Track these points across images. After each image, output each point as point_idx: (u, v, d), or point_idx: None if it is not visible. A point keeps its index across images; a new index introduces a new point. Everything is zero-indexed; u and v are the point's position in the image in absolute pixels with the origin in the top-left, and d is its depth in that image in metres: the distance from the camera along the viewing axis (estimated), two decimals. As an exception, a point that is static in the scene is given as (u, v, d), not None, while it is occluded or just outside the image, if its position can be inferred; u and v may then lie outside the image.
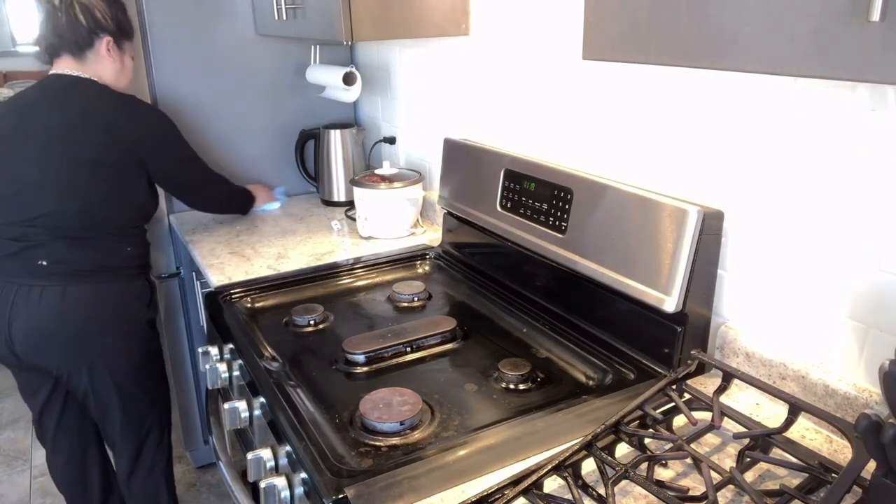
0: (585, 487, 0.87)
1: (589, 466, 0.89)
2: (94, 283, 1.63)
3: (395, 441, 1.00)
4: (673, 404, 0.98)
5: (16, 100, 1.66)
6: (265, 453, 1.06)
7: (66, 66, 1.63)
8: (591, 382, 1.16)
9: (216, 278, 1.62)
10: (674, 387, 1.01)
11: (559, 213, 1.31)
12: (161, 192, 1.95)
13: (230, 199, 2.03)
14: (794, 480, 0.87)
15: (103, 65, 1.67)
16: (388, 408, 1.04)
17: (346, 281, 1.63)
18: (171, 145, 1.74)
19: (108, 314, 1.66)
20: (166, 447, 1.91)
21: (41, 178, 1.57)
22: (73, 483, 1.95)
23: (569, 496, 0.81)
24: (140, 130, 1.65)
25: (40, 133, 1.58)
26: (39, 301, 1.59)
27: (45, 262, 1.59)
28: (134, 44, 1.77)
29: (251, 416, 1.19)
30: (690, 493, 0.84)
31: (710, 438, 0.98)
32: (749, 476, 0.89)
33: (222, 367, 1.35)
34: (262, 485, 1.02)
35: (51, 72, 1.65)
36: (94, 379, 1.69)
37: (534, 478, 0.83)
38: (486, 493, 0.81)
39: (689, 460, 0.91)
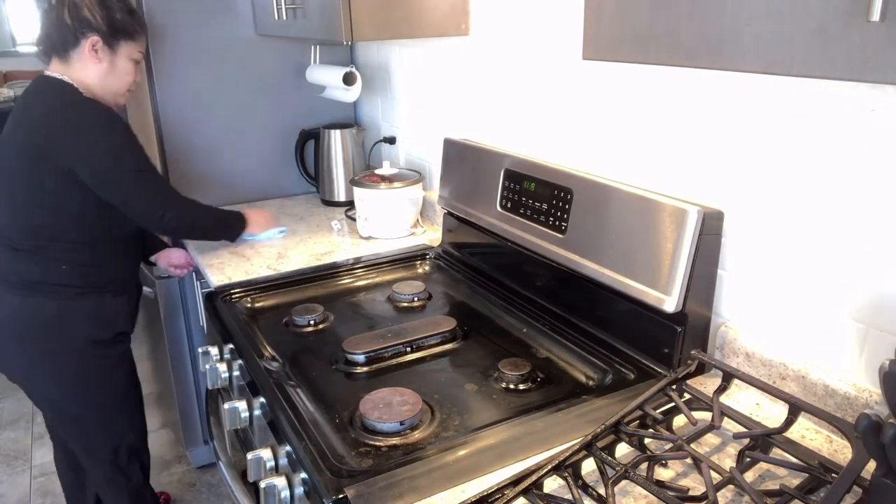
0: (585, 487, 0.87)
1: (589, 466, 0.89)
2: (23, 295, 1.58)
3: (395, 441, 1.00)
4: (673, 404, 0.98)
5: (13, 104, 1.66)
6: (265, 453, 1.06)
7: (54, 68, 1.59)
8: (591, 382, 1.16)
9: (216, 278, 1.62)
10: (674, 387, 1.01)
11: (559, 213, 1.31)
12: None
13: (193, 216, 1.71)
14: (794, 480, 0.87)
15: (86, 65, 1.57)
16: (388, 408, 1.04)
17: (346, 281, 1.63)
18: (92, 148, 1.52)
19: (34, 330, 1.58)
20: (123, 466, 1.79)
21: None
22: (70, 478, 1.95)
23: (569, 496, 0.81)
24: (54, 131, 1.50)
25: (3, 139, 1.57)
26: None
27: None
28: (141, 45, 1.67)
29: (251, 416, 1.19)
30: (690, 493, 0.84)
31: (710, 438, 0.98)
32: (749, 476, 0.89)
33: (222, 367, 1.35)
34: (262, 485, 1.02)
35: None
36: (29, 390, 1.68)
37: (534, 478, 0.83)
38: (486, 493, 0.81)
39: (689, 460, 0.91)
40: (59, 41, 1.56)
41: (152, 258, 1.91)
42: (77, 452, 1.78)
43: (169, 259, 1.91)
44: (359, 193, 1.84)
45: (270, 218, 1.93)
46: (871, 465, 0.74)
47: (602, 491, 0.83)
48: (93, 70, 1.59)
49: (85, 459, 1.78)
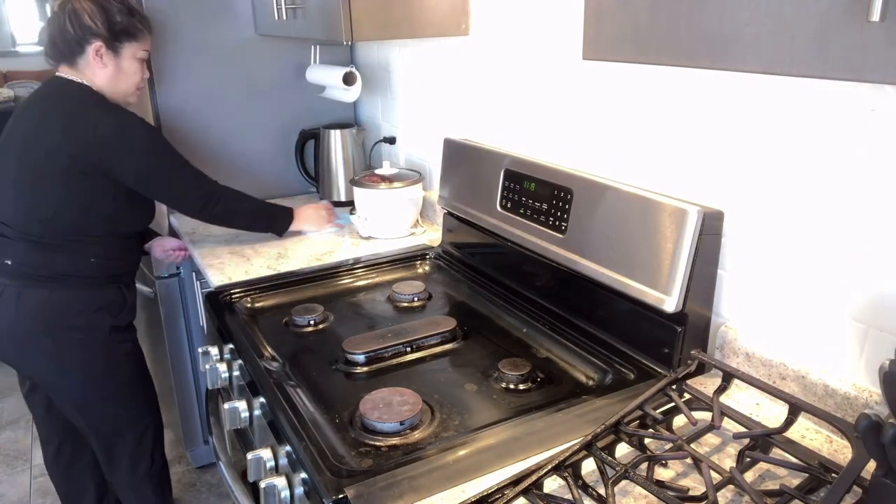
0: (585, 487, 0.87)
1: (589, 466, 0.89)
2: (51, 289, 1.60)
3: (395, 441, 1.00)
4: (673, 404, 0.98)
5: (23, 100, 1.68)
6: (265, 453, 1.06)
7: (64, 71, 1.63)
8: (591, 382, 1.16)
9: (216, 278, 1.62)
10: (674, 387, 1.01)
11: (559, 213, 1.31)
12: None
13: (237, 204, 1.79)
14: (794, 480, 0.87)
15: (94, 71, 1.62)
16: (388, 408, 1.04)
17: (346, 281, 1.63)
18: (135, 154, 1.60)
19: (61, 321, 1.62)
20: (148, 450, 1.85)
21: (12, 179, 1.59)
22: (65, 476, 1.95)
23: (569, 496, 0.81)
24: (98, 137, 1.55)
25: (20, 135, 1.60)
26: (0, 299, 1.60)
27: (10, 262, 1.60)
28: (145, 43, 1.69)
29: (251, 416, 1.19)
30: (690, 493, 0.84)
31: (710, 438, 0.98)
32: (749, 476, 0.89)
33: (222, 367, 1.35)
34: (262, 485, 1.02)
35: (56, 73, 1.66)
36: (48, 383, 1.70)
37: (534, 478, 0.83)
38: (486, 493, 0.81)
39: (689, 460, 0.91)
40: (65, 50, 1.60)
41: (146, 246, 1.94)
42: (95, 442, 1.80)
43: (163, 246, 1.95)
44: (359, 193, 1.84)
45: (326, 217, 1.95)
46: (871, 465, 0.74)
47: (602, 491, 0.83)
48: (101, 75, 1.63)
49: (103, 449, 1.80)
